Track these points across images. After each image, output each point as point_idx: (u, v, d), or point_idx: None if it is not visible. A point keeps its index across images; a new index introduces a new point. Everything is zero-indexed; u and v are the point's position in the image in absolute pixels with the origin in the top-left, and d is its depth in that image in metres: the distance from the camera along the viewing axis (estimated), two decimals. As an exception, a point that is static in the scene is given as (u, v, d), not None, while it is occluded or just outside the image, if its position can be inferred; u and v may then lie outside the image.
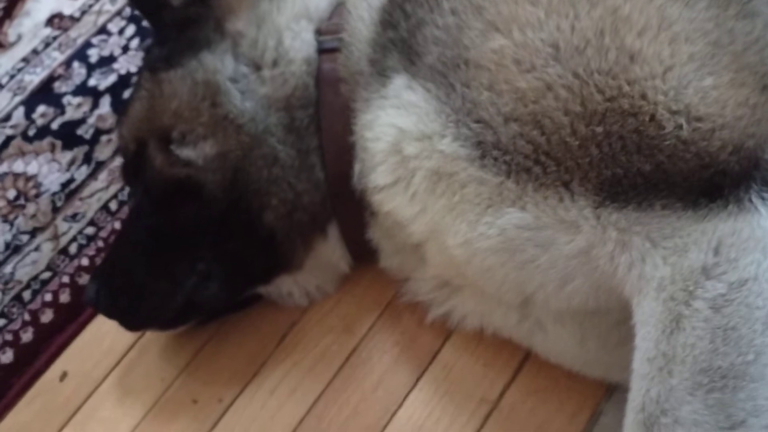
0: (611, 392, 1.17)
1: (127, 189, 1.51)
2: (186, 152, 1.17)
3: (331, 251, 1.26)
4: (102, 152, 1.61)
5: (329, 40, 1.19)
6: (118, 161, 1.57)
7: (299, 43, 1.20)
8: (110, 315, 1.27)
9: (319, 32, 1.21)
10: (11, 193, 1.57)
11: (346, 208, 1.20)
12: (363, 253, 1.26)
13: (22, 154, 1.63)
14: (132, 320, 1.27)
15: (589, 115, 0.92)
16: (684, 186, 0.88)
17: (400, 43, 1.09)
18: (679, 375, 0.85)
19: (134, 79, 1.66)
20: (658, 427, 0.85)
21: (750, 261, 0.85)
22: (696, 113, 0.89)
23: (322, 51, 1.19)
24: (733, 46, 0.92)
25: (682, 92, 0.89)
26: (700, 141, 0.88)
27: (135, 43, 1.75)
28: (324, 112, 1.17)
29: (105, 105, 1.66)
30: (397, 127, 1.07)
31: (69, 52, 1.76)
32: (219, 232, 1.20)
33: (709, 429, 0.83)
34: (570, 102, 0.93)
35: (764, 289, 0.84)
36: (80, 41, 1.77)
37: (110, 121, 1.63)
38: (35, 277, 1.47)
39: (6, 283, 1.47)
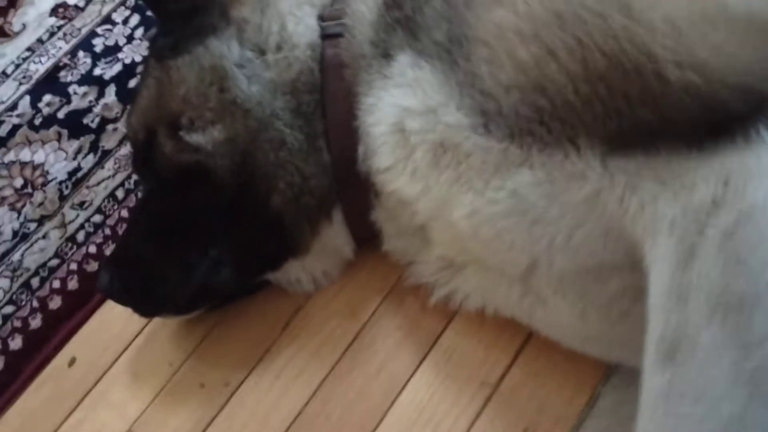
0: (609, 376, 1.19)
1: (134, 177, 1.54)
2: (195, 138, 1.18)
3: (335, 236, 1.28)
4: (108, 141, 1.62)
5: (332, 26, 1.20)
6: (124, 150, 1.60)
7: (302, 29, 1.21)
8: (123, 302, 1.29)
9: (322, 18, 1.22)
10: (18, 182, 1.60)
11: (351, 191, 1.22)
12: (366, 237, 1.28)
13: (29, 142, 1.64)
14: (145, 307, 1.29)
15: (592, 76, 0.92)
16: (690, 130, 0.89)
17: (405, 21, 1.10)
18: (695, 302, 0.85)
19: (139, 68, 1.68)
20: (680, 353, 0.85)
21: (758, 188, 0.84)
22: (702, 64, 0.89)
23: (325, 36, 1.20)
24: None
25: (687, 47, 0.89)
26: (705, 89, 0.88)
27: (139, 32, 1.77)
28: (328, 98, 1.19)
29: (110, 94, 1.68)
30: (400, 106, 1.08)
31: (74, 41, 1.78)
32: (229, 218, 1.22)
33: (729, 352, 0.83)
34: (572, 64, 0.93)
35: None
36: (85, 31, 1.79)
37: (116, 110, 1.66)
38: (43, 265, 1.50)
39: (14, 270, 1.49)
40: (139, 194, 1.51)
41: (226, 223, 1.22)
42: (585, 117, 0.93)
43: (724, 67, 0.89)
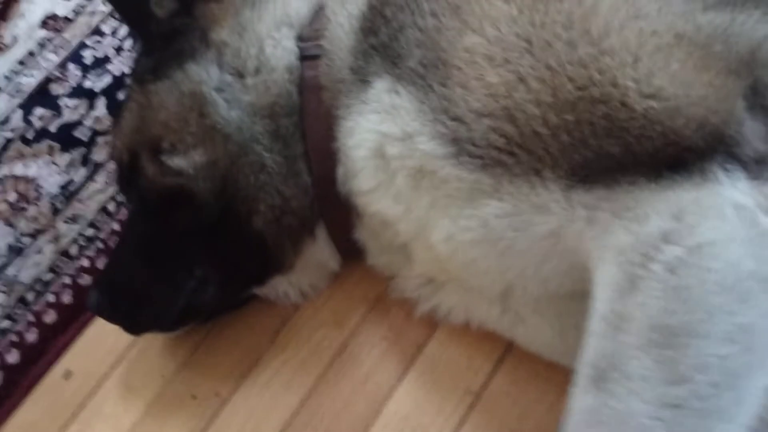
0: (588, 383, 1.21)
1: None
2: (177, 162, 1.20)
3: (320, 252, 1.31)
4: (99, 154, 1.64)
5: (310, 47, 1.21)
6: (114, 164, 1.62)
7: (280, 51, 1.22)
8: (113, 321, 1.31)
9: (300, 39, 1.23)
10: (12, 196, 1.62)
11: (333, 210, 1.24)
12: (351, 252, 1.31)
13: (22, 156, 1.67)
14: (134, 325, 1.32)
15: (561, 105, 0.94)
16: (650, 163, 0.91)
17: (382, 48, 1.11)
18: (630, 332, 0.87)
19: (128, 82, 1.70)
20: (607, 382, 0.87)
21: (709, 227, 0.86)
22: (665, 95, 0.91)
23: (304, 58, 1.21)
24: (698, 37, 0.94)
25: (652, 77, 0.92)
26: (666, 120, 0.90)
27: (128, 43, 1.78)
28: (307, 120, 1.20)
29: (101, 107, 1.70)
30: (378, 132, 1.10)
31: (64, 54, 1.79)
32: (213, 238, 1.24)
33: (656, 384, 0.85)
34: (542, 93, 0.95)
35: (720, 253, 0.86)
36: (75, 43, 1.81)
37: (106, 122, 1.67)
38: (38, 279, 1.52)
39: (10, 285, 1.52)
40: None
41: (210, 243, 1.24)
42: (552, 148, 0.95)
43: (682, 96, 0.91)
